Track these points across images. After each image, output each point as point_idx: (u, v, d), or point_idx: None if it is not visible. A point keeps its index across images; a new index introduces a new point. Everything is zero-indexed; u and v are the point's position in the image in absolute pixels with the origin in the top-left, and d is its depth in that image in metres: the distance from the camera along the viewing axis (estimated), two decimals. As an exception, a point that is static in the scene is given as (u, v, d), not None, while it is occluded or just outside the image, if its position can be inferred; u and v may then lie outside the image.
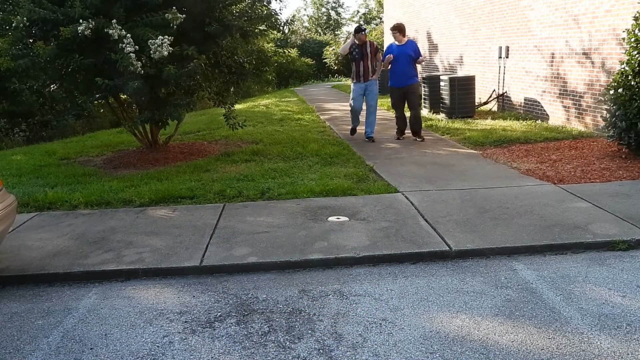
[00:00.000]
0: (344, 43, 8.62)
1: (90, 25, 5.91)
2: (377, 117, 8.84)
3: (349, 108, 8.91)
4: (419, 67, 9.12)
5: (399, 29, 8.47)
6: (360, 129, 8.92)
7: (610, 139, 6.69)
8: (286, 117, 11.95)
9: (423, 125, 8.75)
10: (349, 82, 25.49)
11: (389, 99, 9.46)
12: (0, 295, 3.66)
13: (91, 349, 2.94)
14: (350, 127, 9.05)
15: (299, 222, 4.67)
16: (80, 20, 5.94)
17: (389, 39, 21.27)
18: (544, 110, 9.76)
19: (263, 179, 6.19)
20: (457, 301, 3.30)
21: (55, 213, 5.28)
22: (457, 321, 3.06)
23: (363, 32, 8.47)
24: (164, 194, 5.60)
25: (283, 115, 12.30)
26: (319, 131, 9.61)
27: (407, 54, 8.28)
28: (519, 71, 10.56)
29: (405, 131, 8.66)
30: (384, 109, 11.91)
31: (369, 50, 8.38)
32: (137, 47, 6.01)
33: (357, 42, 8.45)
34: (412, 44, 8.45)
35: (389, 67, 8.55)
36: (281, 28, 7.94)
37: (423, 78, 11.32)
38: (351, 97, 8.71)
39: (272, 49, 9.73)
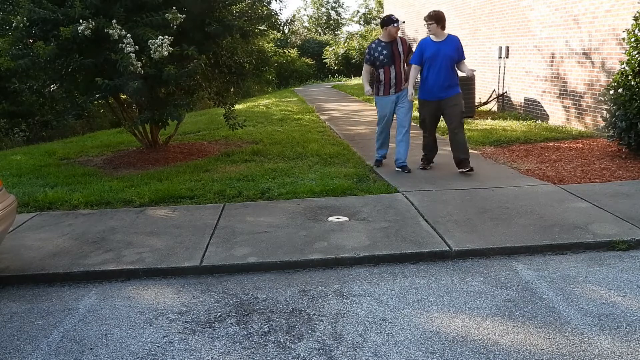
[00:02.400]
0: (363, 79, 6.60)
1: (90, 25, 5.91)
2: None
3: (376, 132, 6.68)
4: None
5: (436, 19, 5.94)
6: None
7: (610, 139, 6.69)
8: (286, 117, 11.96)
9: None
10: (349, 82, 25.58)
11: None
12: (0, 295, 3.66)
13: (91, 349, 2.94)
14: (375, 154, 6.72)
15: (299, 222, 4.67)
16: (80, 20, 5.94)
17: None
18: (544, 110, 9.76)
19: (263, 179, 6.19)
20: (457, 301, 3.30)
21: (55, 213, 5.28)
22: (457, 321, 3.06)
23: (394, 24, 6.10)
24: (164, 194, 5.60)
25: (283, 115, 12.30)
26: (319, 131, 9.61)
27: (446, 54, 5.89)
28: (519, 71, 10.56)
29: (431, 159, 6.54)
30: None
31: (400, 49, 6.19)
32: (137, 47, 6.02)
33: (383, 39, 6.23)
34: (454, 41, 6.00)
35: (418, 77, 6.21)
36: (281, 28, 7.94)
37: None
38: (378, 118, 6.52)
39: (272, 49, 9.75)
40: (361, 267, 3.87)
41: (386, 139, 6.61)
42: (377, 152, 6.72)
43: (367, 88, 6.49)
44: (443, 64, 5.89)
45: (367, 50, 6.42)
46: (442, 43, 5.96)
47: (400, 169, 6.35)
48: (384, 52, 6.17)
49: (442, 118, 6.27)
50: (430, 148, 6.41)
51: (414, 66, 6.13)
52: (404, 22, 6.32)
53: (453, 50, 5.94)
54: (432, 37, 6.03)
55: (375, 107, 6.69)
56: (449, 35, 6.05)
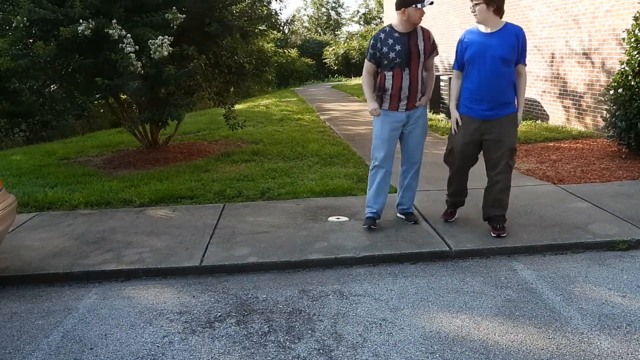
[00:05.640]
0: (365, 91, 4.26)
1: (90, 25, 5.91)
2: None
3: (371, 166, 4.45)
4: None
5: None
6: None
7: (610, 139, 6.69)
8: (286, 117, 11.96)
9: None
10: (349, 82, 25.54)
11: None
12: (0, 295, 3.66)
13: (91, 349, 2.94)
14: (368, 212, 4.43)
15: (299, 222, 4.67)
16: (80, 20, 5.94)
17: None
18: (544, 111, 9.76)
19: (263, 179, 6.19)
20: (457, 301, 3.30)
21: (55, 213, 5.28)
22: (457, 321, 3.06)
23: (417, 5, 3.87)
24: (164, 194, 5.60)
25: (283, 115, 12.31)
26: (319, 131, 9.61)
27: (497, 53, 3.87)
28: (519, 71, 10.55)
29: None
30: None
31: (421, 45, 4.03)
32: (137, 47, 6.02)
33: (397, 28, 4.04)
34: (514, 33, 3.95)
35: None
36: (281, 28, 7.95)
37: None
38: (374, 144, 4.35)
39: (272, 49, 9.76)
40: (361, 267, 3.87)
41: (384, 182, 4.36)
42: (369, 205, 4.39)
43: (373, 105, 4.20)
44: (493, 66, 3.90)
45: (371, 42, 4.13)
46: (494, 36, 3.90)
47: (403, 217, 4.51)
48: (397, 47, 3.99)
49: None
50: (460, 191, 4.41)
51: (455, 72, 4.18)
52: (431, 2, 3.75)
53: (507, 48, 3.89)
54: (479, 26, 3.98)
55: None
56: (507, 25, 3.94)
